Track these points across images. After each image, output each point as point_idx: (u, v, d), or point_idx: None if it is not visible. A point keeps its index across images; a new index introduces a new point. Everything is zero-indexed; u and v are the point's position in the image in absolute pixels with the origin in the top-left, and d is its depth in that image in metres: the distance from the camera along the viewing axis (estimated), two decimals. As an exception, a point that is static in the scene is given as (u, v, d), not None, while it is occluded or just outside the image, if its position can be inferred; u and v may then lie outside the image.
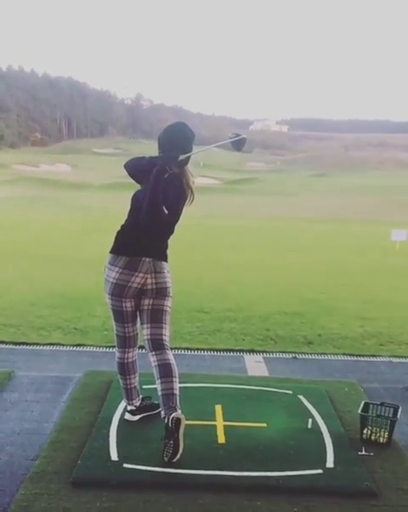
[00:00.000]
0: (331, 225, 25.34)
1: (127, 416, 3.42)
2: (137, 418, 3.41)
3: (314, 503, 2.65)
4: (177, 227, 3.20)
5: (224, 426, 3.35)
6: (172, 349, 3.25)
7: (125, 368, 3.35)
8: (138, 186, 3.19)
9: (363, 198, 44.43)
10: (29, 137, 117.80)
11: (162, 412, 2.99)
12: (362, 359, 5.12)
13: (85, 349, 5.11)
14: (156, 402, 3.30)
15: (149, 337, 3.18)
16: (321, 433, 3.33)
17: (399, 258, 14.17)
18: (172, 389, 3.03)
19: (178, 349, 4.83)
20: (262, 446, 3.15)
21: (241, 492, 2.72)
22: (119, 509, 2.54)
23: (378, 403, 3.36)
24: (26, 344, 5.16)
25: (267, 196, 45.58)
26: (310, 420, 3.45)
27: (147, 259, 3.11)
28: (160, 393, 3.05)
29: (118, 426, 3.31)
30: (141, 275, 3.10)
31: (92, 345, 5.17)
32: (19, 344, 5.15)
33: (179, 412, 2.95)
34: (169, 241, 3.24)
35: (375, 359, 5.13)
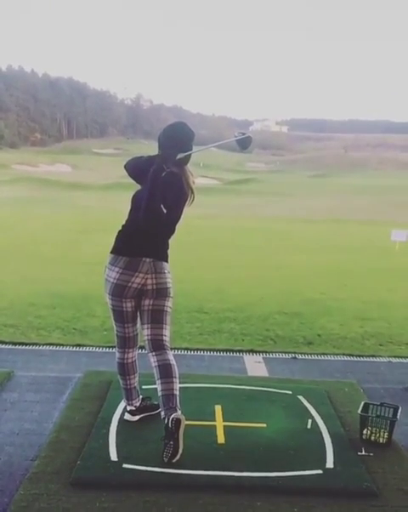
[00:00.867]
0: (331, 226, 25.32)
1: (127, 416, 3.42)
2: (136, 418, 3.41)
3: (313, 503, 2.65)
4: (177, 227, 3.19)
5: (224, 426, 3.35)
6: (171, 349, 3.25)
7: (125, 368, 3.35)
8: (138, 186, 3.19)
9: (363, 199, 44.39)
10: (29, 137, 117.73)
11: (162, 413, 2.99)
12: (362, 359, 5.12)
13: (85, 349, 5.10)
14: (156, 403, 3.30)
15: (149, 337, 3.18)
16: (321, 433, 3.34)
17: (399, 258, 14.16)
18: (173, 389, 3.03)
19: (177, 349, 4.82)
20: (261, 446, 3.15)
21: (241, 492, 2.72)
22: (118, 509, 2.54)
23: (378, 403, 3.36)
24: (26, 344, 5.15)
25: (266, 197, 45.55)
26: (310, 420, 3.45)
27: (147, 260, 3.10)
28: (160, 393, 3.04)
29: (118, 426, 3.31)
30: (141, 275, 3.10)
31: (91, 345, 5.17)
32: (19, 344, 5.14)
33: (179, 412, 2.95)
34: (170, 241, 3.24)
35: (375, 359, 5.13)
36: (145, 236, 3.09)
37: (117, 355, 3.37)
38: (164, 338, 3.19)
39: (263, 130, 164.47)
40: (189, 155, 3.14)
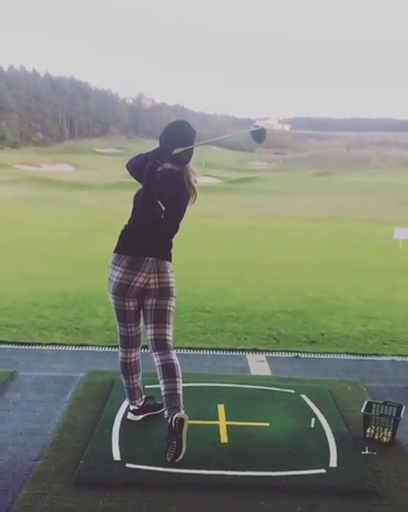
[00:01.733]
0: (334, 224, 25.29)
1: (130, 416, 3.42)
2: (139, 417, 3.41)
3: (317, 502, 2.64)
4: (180, 226, 3.18)
5: (227, 426, 3.35)
6: (174, 348, 3.24)
7: (128, 368, 3.35)
8: (140, 185, 3.18)
9: (365, 197, 44.34)
10: (31, 137, 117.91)
11: (165, 412, 2.98)
12: (365, 358, 5.11)
13: (87, 348, 5.10)
14: (159, 402, 3.30)
15: (152, 337, 3.18)
16: (324, 432, 3.33)
17: (402, 256, 14.14)
18: (176, 389, 3.03)
19: (180, 348, 4.81)
20: (264, 445, 3.15)
21: (244, 491, 2.71)
22: (121, 509, 2.54)
23: (381, 402, 3.35)
24: (28, 344, 5.15)
25: (269, 195, 45.53)
26: (313, 420, 3.44)
27: (150, 259, 3.10)
28: (163, 393, 3.04)
29: (121, 426, 3.31)
30: (144, 274, 3.10)
31: (94, 345, 5.17)
32: (22, 344, 5.14)
33: (183, 412, 2.95)
34: (173, 240, 3.23)
35: (378, 358, 5.11)
36: (148, 235, 3.09)
37: (120, 354, 3.37)
38: (167, 337, 3.19)
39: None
40: (190, 151, 3.11)
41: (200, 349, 5.14)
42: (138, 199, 3.08)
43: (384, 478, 2.86)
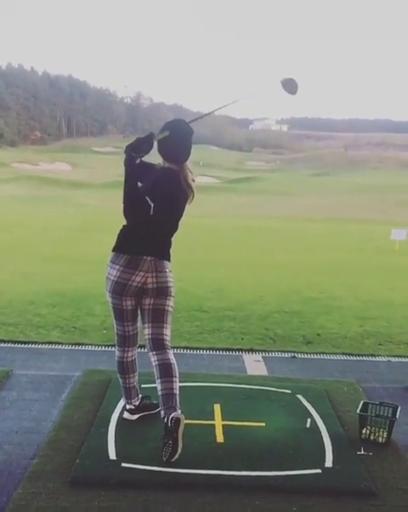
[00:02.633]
0: (331, 225, 25.35)
1: (126, 415, 3.42)
2: (136, 417, 3.41)
3: (312, 502, 2.65)
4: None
5: (223, 425, 3.35)
6: (171, 348, 3.24)
7: (124, 367, 3.35)
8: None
9: (363, 197, 44.42)
10: (29, 135, 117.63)
11: (162, 412, 2.99)
12: (361, 358, 5.11)
13: (84, 347, 5.09)
14: (155, 402, 3.30)
15: (150, 336, 3.18)
16: (320, 432, 3.33)
17: (399, 257, 14.17)
18: (173, 389, 3.03)
19: (177, 348, 4.81)
20: (260, 445, 3.15)
21: (240, 491, 2.72)
22: (117, 508, 2.54)
23: (377, 403, 3.36)
24: (25, 342, 5.14)
25: (266, 195, 45.57)
26: (309, 420, 3.45)
27: (148, 258, 3.10)
28: (160, 393, 3.04)
29: (117, 425, 3.31)
30: (142, 273, 3.09)
31: (91, 344, 5.16)
32: (18, 342, 5.14)
33: (179, 412, 2.95)
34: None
35: (374, 358, 5.12)
36: (146, 234, 3.08)
37: (117, 353, 3.36)
38: (165, 337, 3.19)
39: (263, 129, 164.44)
40: (188, 150, 3.08)
41: (196, 348, 5.14)
42: (127, 197, 3.08)
43: (380, 478, 2.86)
